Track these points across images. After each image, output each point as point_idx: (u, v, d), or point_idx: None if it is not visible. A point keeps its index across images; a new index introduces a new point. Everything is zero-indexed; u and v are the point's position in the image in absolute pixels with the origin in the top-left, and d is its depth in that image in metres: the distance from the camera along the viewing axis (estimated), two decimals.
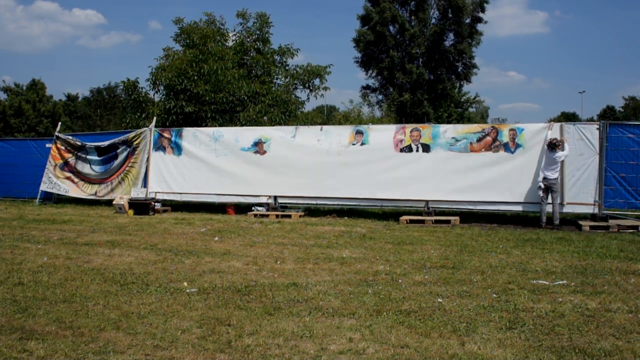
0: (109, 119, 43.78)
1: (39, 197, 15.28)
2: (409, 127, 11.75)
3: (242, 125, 16.46)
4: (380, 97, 40.20)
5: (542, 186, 10.07)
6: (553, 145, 9.96)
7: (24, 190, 16.07)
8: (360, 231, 9.76)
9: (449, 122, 37.99)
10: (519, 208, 10.87)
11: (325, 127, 12.75)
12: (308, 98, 26.71)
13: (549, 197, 10.16)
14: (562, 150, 10.01)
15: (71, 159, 14.94)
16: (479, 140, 11.04)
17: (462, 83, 40.08)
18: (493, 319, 4.63)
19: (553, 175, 10.02)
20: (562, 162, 10.14)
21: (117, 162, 14.23)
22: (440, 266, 6.70)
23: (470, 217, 11.37)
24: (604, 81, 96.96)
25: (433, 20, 37.75)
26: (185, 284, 5.92)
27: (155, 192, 13.55)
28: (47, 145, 15.64)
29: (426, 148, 11.39)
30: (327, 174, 11.99)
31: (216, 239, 9.02)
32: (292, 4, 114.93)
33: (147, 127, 14.28)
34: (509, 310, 4.86)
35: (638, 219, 10.24)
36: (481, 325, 4.48)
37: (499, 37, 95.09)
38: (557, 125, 10.63)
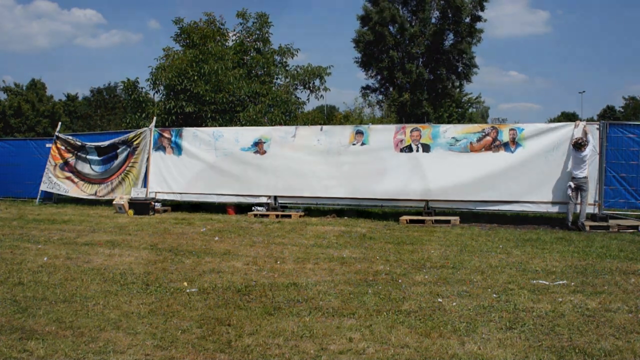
0: (109, 119, 43.77)
1: (39, 197, 15.29)
2: (409, 127, 11.75)
3: (242, 125, 16.46)
4: (380, 97, 40.20)
5: (572, 186, 9.98)
6: (579, 145, 9.90)
7: (24, 190, 16.07)
8: (360, 231, 9.76)
9: (449, 122, 37.97)
10: (519, 208, 10.86)
11: (325, 127, 12.74)
12: (308, 99, 26.79)
13: (578, 197, 10.04)
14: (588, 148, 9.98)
15: (71, 159, 14.94)
16: (479, 140, 11.04)
17: (462, 82, 40.03)
18: (493, 319, 4.63)
19: (582, 173, 9.93)
20: (587, 160, 10.00)
21: (117, 162, 14.23)
22: (440, 266, 6.70)
23: (470, 217, 11.36)
24: (604, 81, 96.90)
25: (433, 20, 37.71)
26: (185, 284, 5.92)
27: (155, 192, 13.55)
28: (47, 145, 15.65)
29: (426, 148, 11.38)
30: (327, 174, 11.99)
31: (216, 239, 9.02)
32: (293, 4, 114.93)
33: (147, 127, 14.28)
34: (509, 310, 4.86)
35: (638, 219, 10.24)
36: (481, 325, 4.48)
37: (499, 36, 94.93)
38: (581, 124, 10.56)
